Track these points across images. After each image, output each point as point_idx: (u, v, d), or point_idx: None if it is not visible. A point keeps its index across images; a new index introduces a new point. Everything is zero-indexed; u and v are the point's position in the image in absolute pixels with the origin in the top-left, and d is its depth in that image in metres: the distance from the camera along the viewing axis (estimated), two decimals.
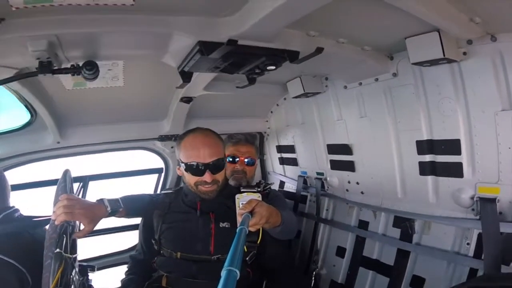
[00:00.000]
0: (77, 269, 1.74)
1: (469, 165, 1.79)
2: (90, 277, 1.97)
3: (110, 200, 1.84)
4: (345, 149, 2.47)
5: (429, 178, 1.98)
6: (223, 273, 0.86)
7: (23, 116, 2.34)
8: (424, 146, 1.96)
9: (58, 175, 1.89)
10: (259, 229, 1.60)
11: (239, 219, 1.50)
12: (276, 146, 3.25)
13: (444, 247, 1.96)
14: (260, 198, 1.64)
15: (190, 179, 1.91)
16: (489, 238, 1.70)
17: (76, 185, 2.64)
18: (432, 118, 1.90)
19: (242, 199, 1.63)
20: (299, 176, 3.01)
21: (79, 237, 1.71)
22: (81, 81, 1.94)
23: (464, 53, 1.65)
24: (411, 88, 1.94)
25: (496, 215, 1.69)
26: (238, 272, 0.88)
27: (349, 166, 2.49)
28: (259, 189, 2.36)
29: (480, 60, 1.62)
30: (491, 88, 1.62)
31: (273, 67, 1.65)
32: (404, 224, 2.17)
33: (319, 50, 1.60)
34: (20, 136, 2.37)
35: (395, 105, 2.06)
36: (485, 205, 1.72)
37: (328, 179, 2.74)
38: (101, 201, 1.82)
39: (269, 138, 3.35)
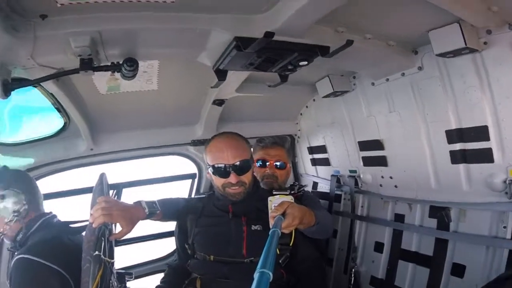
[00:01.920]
0: (115, 276, 1.82)
1: (499, 150, 1.92)
2: (128, 285, 2.05)
3: (147, 202, 1.96)
4: (377, 144, 2.65)
5: (461, 166, 2.12)
6: (256, 276, 0.90)
7: (56, 124, 2.49)
8: (454, 135, 2.11)
9: (90, 183, 2.00)
10: (292, 231, 1.70)
11: (271, 222, 1.59)
12: (308, 147, 3.44)
13: (482, 232, 2.06)
14: (292, 200, 1.74)
15: (217, 181, 2.07)
16: None
17: (110, 193, 2.87)
18: (459, 108, 2.05)
19: (274, 201, 1.73)
20: (332, 175, 3.18)
21: (118, 238, 1.81)
22: (115, 84, 2.16)
23: (485, 43, 1.83)
24: (437, 80, 2.11)
25: None
26: (271, 274, 0.92)
27: (382, 161, 2.65)
28: (292, 192, 2.48)
29: (500, 48, 1.79)
30: None
31: (305, 62, 1.82)
32: (440, 214, 2.29)
33: (349, 43, 1.75)
34: (53, 143, 2.55)
35: (423, 97, 2.24)
36: None
37: (361, 176, 2.90)
38: (138, 203, 1.94)
39: (300, 141, 3.55)
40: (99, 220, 1.64)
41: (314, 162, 3.44)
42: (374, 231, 2.84)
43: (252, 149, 2.79)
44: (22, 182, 2.00)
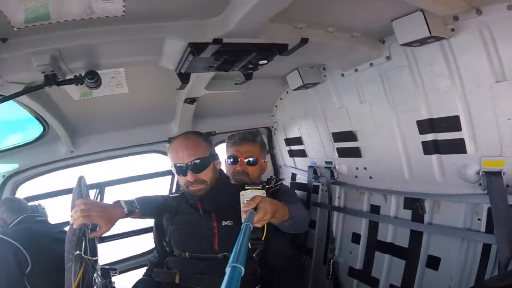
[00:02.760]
0: (99, 272, 1.82)
1: (471, 140, 1.80)
2: (113, 280, 2.07)
3: (126, 202, 1.96)
4: (350, 136, 2.52)
5: (434, 157, 2.00)
6: (228, 270, 0.87)
7: (36, 129, 2.48)
8: (425, 126, 1.98)
9: (73, 184, 2.01)
10: (264, 225, 1.63)
11: (243, 216, 1.53)
12: (284, 139, 3.32)
13: (456, 224, 1.97)
14: (264, 194, 1.67)
15: (180, 180, 2.04)
16: (499, 212, 1.72)
17: (93, 192, 2.86)
18: (429, 97, 1.91)
19: (246, 196, 1.66)
20: (309, 166, 3.06)
21: (96, 237, 1.81)
22: (87, 91, 2.07)
23: (452, 30, 1.67)
24: (405, 70, 1.96)
25: (503, 188, 1.70)
26: (242, 268, 0.88)
27: (356, 152, 2.53)
28: (269, 186, 2.41)
29: (468, 34, 1.63)
30: (483, 61, 1.63)
31: (265, 61, 1.72)
32: (415, 205, 2.19)
33: (304, 41, 1.65)
34: (34, 149, 2.54)
35: (392, 87, 2.09)
36: (491, 179, 1.73)
37: (337, 167, 2.78)
38: (117, 202, 1.94)
39: (276, 132, 3.42)
40: (78, 221, 1.64)
41: (292, 153, 3.32)
42: (351, 222, 2.75)
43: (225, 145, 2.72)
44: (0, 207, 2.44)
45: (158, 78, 2.28)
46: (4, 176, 2.63)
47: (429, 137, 1.99)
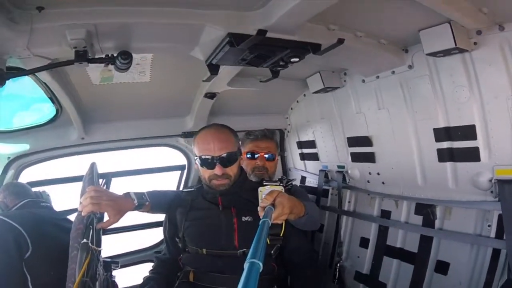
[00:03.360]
0: (101, 263, 1.81)
1: (485, 149, 1.90)
2: (113, 274, 2.05)
3: (136, 194, 1.95)
4: (365, 141, 2.62)
5: (448, 164, 2.10)
6: (246, 266, 0.87)
7: (48, 112, 2.50)
8: (441, 134, 2.09)
9: (80, 172, 2.07)
10: (282, 222, 1.65)
11: (261, 212, 1.54)
12: (297, 142, 3.41)
13: (466, 230, 2.06)
14: (282, 190, 1.69)
15: (204, 172, 2.03)
16: (509, 218, 1.80)
17: (99, 182, 2.88)
18: (447, 107, 2.03)
19: (265, 192, 1.68)
20: (320, 170, 3.15)
21: (104, 228, 1.79)
22: (109, 75, 2.14)
23: (475, 43, 1.80)
24: (426, 79, 2.08)
25: None
26: (261, 264, 0.88)
27: (370, 158, 2.62)
28: (281, 184, 2.52)
29: (490, 49, 1.76)
30: (502, 74, 1.75)
31: (296, 59, 1.79)
32: (426, 211, 2.27)
33: (341, 41, 1.74)
34: (45, 131, 2.56)
35: (412, 95, 2.20)
36: (503, 186, 1.83)
37: (349, 171, 2.87)
38: (127, 194, 1.93)
39: (289, 135, 3.51)
40: (88, 208, 1.63)
41: (303, 156, 3.40)
42: (360, 226, 2.83)
43: (240, 142, 2.77)
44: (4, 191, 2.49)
45: (181, 70, 2.34)
46: (9, 157, 2.62)
47: (445, 145, 2.09)
